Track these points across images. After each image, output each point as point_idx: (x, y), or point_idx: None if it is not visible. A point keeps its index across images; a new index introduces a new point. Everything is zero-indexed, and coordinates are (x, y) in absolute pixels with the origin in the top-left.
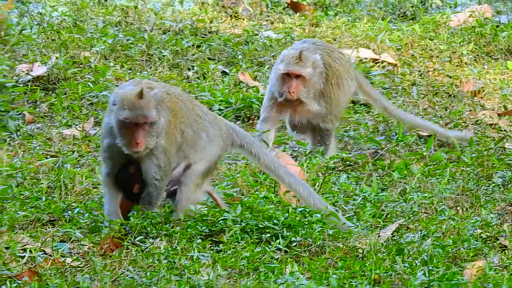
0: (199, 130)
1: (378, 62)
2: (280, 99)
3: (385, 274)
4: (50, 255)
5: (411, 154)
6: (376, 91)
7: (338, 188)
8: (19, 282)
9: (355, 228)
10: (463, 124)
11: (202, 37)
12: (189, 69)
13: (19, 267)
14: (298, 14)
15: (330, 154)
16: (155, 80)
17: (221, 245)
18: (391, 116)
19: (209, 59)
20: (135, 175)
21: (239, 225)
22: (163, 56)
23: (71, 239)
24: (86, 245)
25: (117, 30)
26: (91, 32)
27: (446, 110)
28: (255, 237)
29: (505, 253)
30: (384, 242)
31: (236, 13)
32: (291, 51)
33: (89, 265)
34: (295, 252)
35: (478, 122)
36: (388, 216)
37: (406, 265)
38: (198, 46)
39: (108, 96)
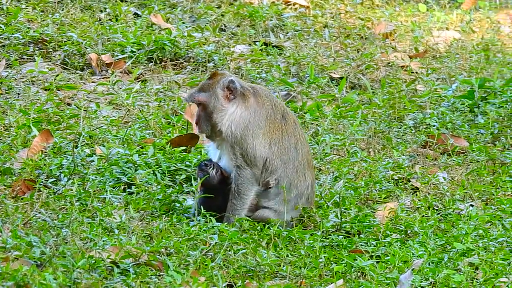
0: None
1: (290, 4)
2: None
3: (296, 217)
4: None
5: (323, 96)
6: None
7: None
8: None
9: None
10: (374, 66)
11: None
12: (101, 11)
13: None
14: None
15: None
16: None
17: (133, 187)
18: None
19: (121, 1)
20: None
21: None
22: None
23: None
24: None
25: None
26: None
27: (358, 52)
28: (167, 179)
29: (416, 194)
30: None
31: None
32: None
33: (0, 207)
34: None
35: (389, 64)
36: None
37: (318, 207)
38: None
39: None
